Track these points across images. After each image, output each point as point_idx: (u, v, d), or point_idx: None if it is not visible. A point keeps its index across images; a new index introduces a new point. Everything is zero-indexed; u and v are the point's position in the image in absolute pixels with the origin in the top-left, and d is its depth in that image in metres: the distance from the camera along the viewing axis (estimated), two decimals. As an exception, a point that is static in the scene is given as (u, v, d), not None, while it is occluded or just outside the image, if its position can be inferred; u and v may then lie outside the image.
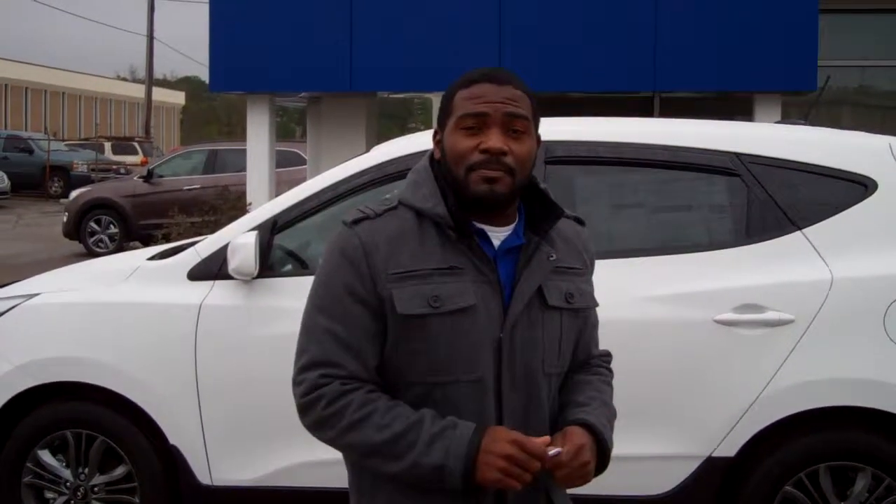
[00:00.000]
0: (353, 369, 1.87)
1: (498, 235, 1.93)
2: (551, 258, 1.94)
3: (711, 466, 3.69)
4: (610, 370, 2.17)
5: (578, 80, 10.08)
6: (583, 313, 2.03)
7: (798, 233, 3.76)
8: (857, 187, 3.82)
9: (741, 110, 10.12)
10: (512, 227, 1.95)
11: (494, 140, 1.85)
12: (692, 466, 3.70)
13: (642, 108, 10.98)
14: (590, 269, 2.08)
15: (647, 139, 4.00)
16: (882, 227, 3.78)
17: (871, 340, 3.61)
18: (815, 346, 3.63)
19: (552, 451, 1.82)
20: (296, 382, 1.91)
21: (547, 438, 1.84)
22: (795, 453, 3.68)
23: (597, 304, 2.10)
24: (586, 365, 2.11)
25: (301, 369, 1.90)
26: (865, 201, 3.79)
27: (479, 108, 1.86)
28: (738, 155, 3.88)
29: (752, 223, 3.81)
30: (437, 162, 1.97)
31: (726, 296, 3.68)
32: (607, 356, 2.19)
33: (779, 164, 3.86)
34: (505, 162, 1.85)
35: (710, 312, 3.67)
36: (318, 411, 1.86)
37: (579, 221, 2.11)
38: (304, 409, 1.90)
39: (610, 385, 2.12)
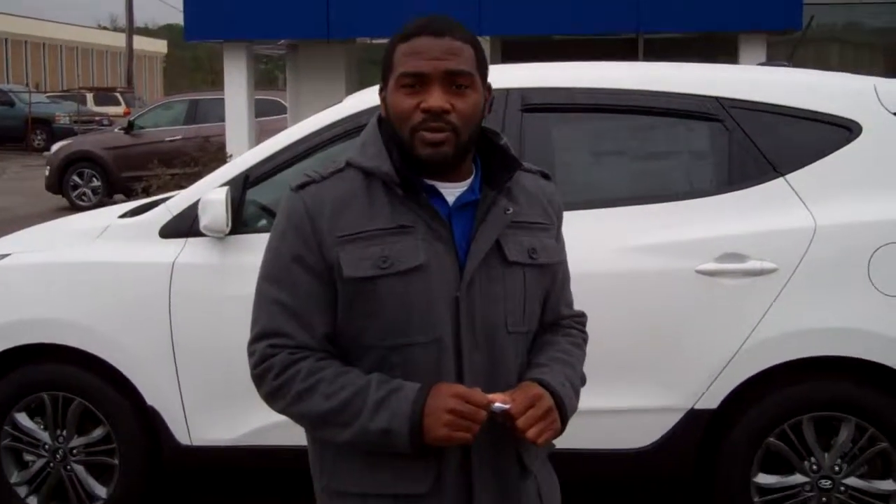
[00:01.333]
0: (302, 339, 1.83)
1: (453, 192, 1.86)
2: (508, 212, 1.87)
3: (693, 419, 3.66)
4: (583, 332, 2.09)
5: (561, 22, 9.94)
6: (549, 269, 1.95)
7: (780, 179, 3.68)
8: (841, 131, 3.73)
9: (726, 50, 10.02)
10: (468, 182, 1.88)
11: (435, 98, 1.78)
12: (674, 419, 3.67)
13: (627, 50, 10.86)
14: (556, 224, 2.00)
15: (626, 84, 3.90)
16: (867, 172, 3.70)
17: (854, 289, 3.55)
18: (798, 295, 3.57)
19: (498, 404, 1.76)
20: (248, 354, 1.88)
21: (497, 395, 1.78)
22: (778, 404, 3.64)
23: (563, 260, 2.03)
24: (555, 326, 2.03)
25: (252, 340, 1.87)
26: (850, 145, 3.70)
27: (418, 66, 1.79)
28: (718, 99, 3.79)
29: (734, 170, 3.74)
30: (385, 120, 1.89)
31: (707, 245, 3.62)
32: (580, 317, 2.11)
33: (761, 108, 3.77)
34: (448, 119, 1.78)
35: (692, 262, 3.60)
36: (269, 382, 1.83)
37: (545, 175, 2.04)
38: (256, 381, 1.87)
39: (579, 346, 2.04)
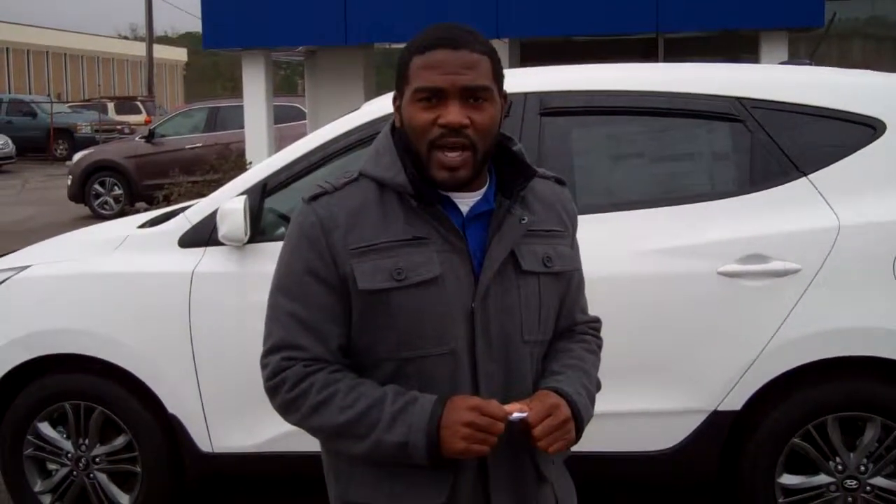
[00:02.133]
0: (317, 351, 1.81)
1: (467, 202, 1.84)
2: (523, 221, 1.85)
3: (717, 420, 3.62)
4: (597, 337, 2.07)
5: (580, 23, 9.91)
6: (564, 277, 1.93)
7: (803, 179, 3.64)
8: (865, 129, 3.68)
9: (747, 48, 9.96)
10: (482, 191, 1.86)
11: (454, 114, 1.75)
12: (698, 421, 3.64)
13: (646, 50, 10.81)
14: (571, 231, 1.98)
15: (646, 86, 3.88)
16: (891, 171, 3.65)
17: (879, 288, 3.51)
18: (822, 295, 3.53)
19: (515, 414, 1.75)
20: (262, 366, 1.86)
21: (514, 405, 1.77)
22: (803, 405, 3.61)
23: (578, 267, 2.00)
24: (570, 332, 2.01)
25: (265, 353, 1.85)
26: (873, 144, 3.66)
27: (434, 81, 1.76)
28: (740, 100, 3.75)
29: (756, 170, 3.70)
30: (398, 130, 1.87)
31: (730, 246, 3.58)
32: (595, 322, 2.09)
33: (783, 107, 3.73)
34: (466, 134, 1.76)
35: (715, 264, 3.57)
36: (283, 394, 1.81)
37: (559, 181, 2.01)
38: (270, 394, 1.85)
39: (594, 353, 2.02)
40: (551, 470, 1.92)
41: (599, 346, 2.06)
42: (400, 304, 1.78)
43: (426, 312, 1.78)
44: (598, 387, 1.99)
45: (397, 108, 1.86)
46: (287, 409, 1.83)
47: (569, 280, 1.96)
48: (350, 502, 1.88)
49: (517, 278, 1.84)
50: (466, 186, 1.82)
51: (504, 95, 1.87)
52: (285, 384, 1.80)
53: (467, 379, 1.80)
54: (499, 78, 1.84)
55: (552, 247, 1.90)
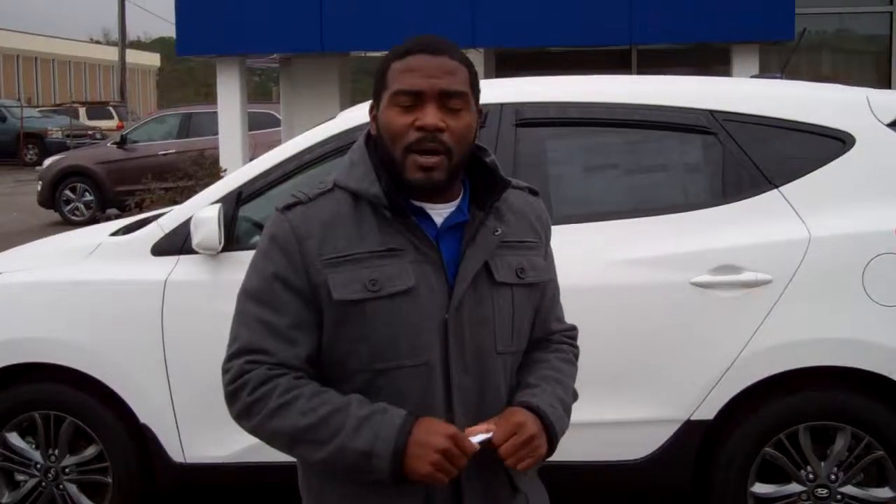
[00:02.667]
0: (283, 357, 1.80)
1: (441, 213, 1.85)
2: (496, 233, 1.86)
3: (690, 430, 3.65)
4: (574, 346, 2.07)
5: (554, 34, 9.95)
6: (538, 288, 1.94)
7: (775, 191, 3.69)
8: (835, 143, 3.73)
9: (719, 61, 10.05)
10: (456, 202, 1.87)
11: (430, 116, 1.76)
12: (671, 430, 3.66)
13: (620, 61, 10.89)
14: (544, 241, 1.99)
15: (619, 98, 3.91)
16: (860, 184, 3.70)
17: (849, 299, 3.56)
18: (793, 305, 3.57)
19: (480, 436, 1.75)
20: (224, 370, 1.84)
21: (480, 426, 1.77)
22: (775, 414, 3.65)
23: (552, 277, 2.01)
24: (546, 342, 2.01)
25: (229, 357, 1.84)
26: (843, 157, 3.71)
27: (413, 83, 1.77)
28: (711, 112, 3.79)
29: (728, 182, 3.74)
30: (373, 139, 1.88)
31: (702, 257, 3.62)
32: (571, 331, 2.09)
33: (754, 120, 3.78)
34: (442, 140, 1.77)
35: (687, 275, 3.60)
36: (244, 398, 1.79)
37: (532, 192, 2.02)
38: (230, 398, 1.82)
39: (570, 363, 2.02)
40: (524, 481, 1.92)
41: (576, 356, 2.06)
42: (374, 315, 1.77)
43: (400, 323, 1.78)
44: (575, 396, 1.99)
45: (373, 116, 1.87)
46: (247, 413, 1.79)
47: (543, 290, 1.97)
48: None
49: (491, 290, 1.84)
50: (440, 193, 1.84)
51: (480, 109, 1.88)
52: (247, 387, 1.78)
53: (440, 391, 1.81)
54: (475, 89, 1.85)
55: (525, 258, 1.91)
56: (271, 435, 1.80)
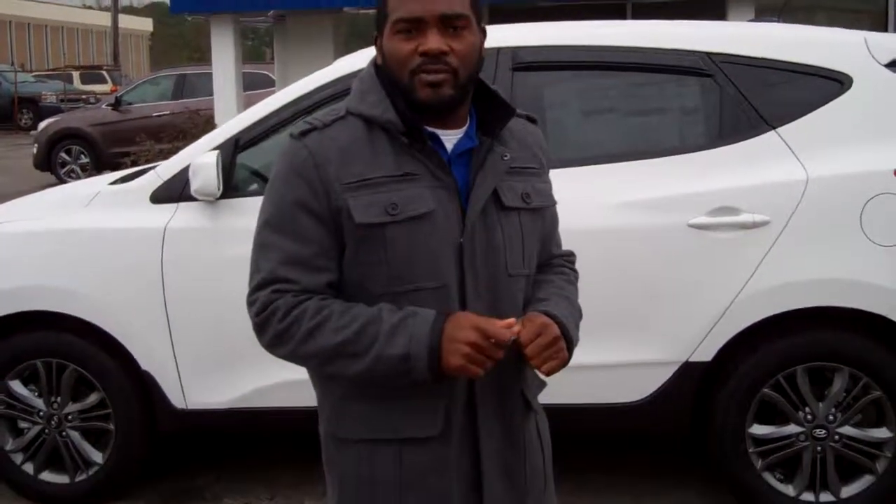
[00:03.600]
0: (307, 283, 1.81)
1: (450, 139, 1.86)
2: (505, 158, 1.88)
3: (688, 371, 3.67)
4: (574, 270, 2.11)
5: (550, -12, 9.88)
6: (542, 212, 1.97)
7: (772, 132, 3.68)
8: (833, 84, 3.72)
9: (714, 15, 9.98)
10: (464, 129, 1.88)
11: (433, 41, 1.76)
12: (669, 372, 3.68)
13: (615, 16, 10.81)
14: (545, 168, 2.02)
15: (617, 41, 3.89)
16: (858, 125, 3.70)
17: (847, 240, 3.56)
18: (790, 247, 3.57)
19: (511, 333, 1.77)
20: (249, 303, 1.85)
21: (511, 320, 1.77)
22: (772, 356, 3.66)
23: (555, 202, 2.04)
24: (548, 265, 2.05)
25: (254, 289, 1.84)
26: (841, 98, 3.70)
27: (412, 10, 1.77)
28: (709, 54, 3.78)
29: (725, 124, 3.74)
30: (381, 68, 1.87)
31: (700, 199, 3.62)
32: (570, 255, 2.13)
33: (751, 62, 3.76)
34: (447, 61, 1.77)
35: (684, 217, 3.61)
36: (275, 325, 1.80)
37: (531, 119, 2.04)
38: (260, 328, 1.83)
39: (573, 284, 2.06)
40: (537, 400, 1.97)
41: (577, 278, 2.10)
42: (394, 238, 1.79)
43: (419, 247, 1.80)
44: (580, 315, 2.01)
45: (379, 45, 1.87)
46: (280, 340, 1.81)
47: (544, 216, 1.99)
48: (344, 439, 1.89)
49: (499, 215, 1.86)
50: (451, 112, 1.84)
51: (483, 29, 1.88)
52: (276, 314, 1.79)
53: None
54: (477, 9, 1.85)
55: (530, 183, 1.93)
56: (307, 357, 1.82)
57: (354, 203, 1.78)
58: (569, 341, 1.86)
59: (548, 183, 2.01)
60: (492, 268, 1.85)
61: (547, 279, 2.00)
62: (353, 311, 1.79)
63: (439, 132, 1.84)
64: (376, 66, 1.90)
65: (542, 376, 1.91)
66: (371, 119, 1.83)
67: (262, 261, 1.84)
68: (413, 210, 1.79)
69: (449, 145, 1.86)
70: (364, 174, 1.79)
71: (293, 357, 1.84)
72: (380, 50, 1.87)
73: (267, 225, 1.84)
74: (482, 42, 1.87)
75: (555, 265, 2.06)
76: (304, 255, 1.81)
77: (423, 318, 1.76)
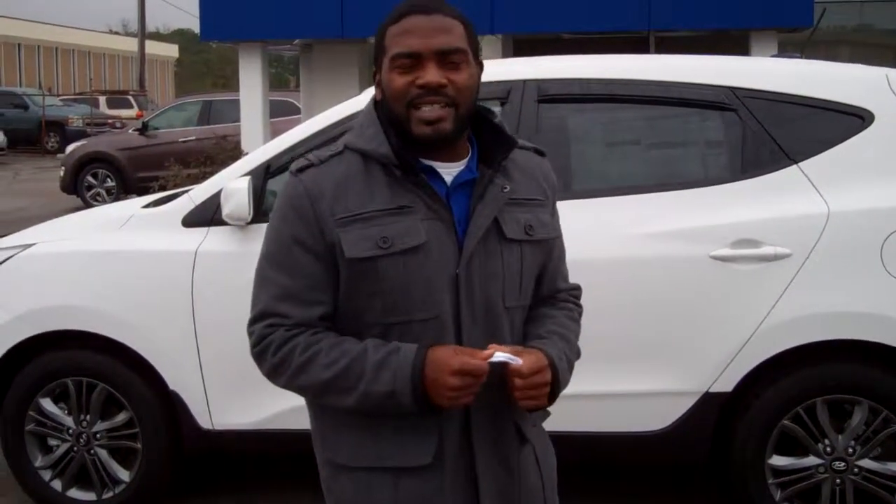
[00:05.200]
0: (300, 317, 1.86)
1: (450, 171, 1.89)
2: (505, 189, 1.90)
3: (708, 402, 3.71)
4: (578, 305, 2.12)
5: (573, 19, 10.00)
6: (545, 245, 1.99)
7: (794, 167, 3.73)
8: (854, 120, 3.78)
9: (737, 49, 10.04)
10: (465, 161, 1.91)
11: (431, 74, 1.80)
12: (689, 402, 3.72)
13: (637, 48, 10.89)
14: (551, 200, 2.03)
15: (641, 75, 3.96)
16: (879, 160, 3.75)
17: (867, 273, 3.60)
18: (811, 280, 3.61)
19: (498, 355, 1.78)
20: (248, 334, 1.91)
21: (505, 348, 1.80)
22: (792, 387, 3.69)
23: (559, 235, 2.06)
24: (552, 299, 2.06)
25: (251, 321, 1.91)
26: (862, 133, 3.75)
27: (410, 45, 1.81)
28: (732, 89, 3.84)
29: (748, 158, 3.79)
30: (380, 103, 1.91)
31: (722, 231, 3.67)
32: (576, 290, 2.14)
33: (774, 97, 3.82)
34: (446, 93, 1.81)
35: (707, 248, 3.65)
36: (269, 359, 1.87)
37: (539, 152, 2.06)
38: (257, 360, 1.91)
39: (575, 321, 2.07)
40: (531, 432, 1.99)
41: (580, 314, 2.11)
42: (386, 271, 1.82)
43: (412, 279, 1.83)
44: (578, 355, 2.03)
45: (377, 81, 1.90)
46: (275, 373, 1.88)
47: (550, 248, 2.02)
48: (338, 465, 1.93)
49: (500, 245, 1.89)
50: (449, 151, 1.88)
51: (480, 63, 1.91)
52: (269, 349, 1.86)
53: (451, 342, 1.85)
54: (474, 43, 1.88)
55: (534, 215, 1.95)
56: (301, 389, 1.89)
57: (346, 237, 1.82)
58: (556, 386, 1.88)
59: (553, 215, 2.03)
60: (488, 298, 1.88)
61: (550, 314, 2.02)
62: (342, 346, 1.84)
63: (437, 165, 1.87)
64: (375, 102, 1.93)
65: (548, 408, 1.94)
66: (367, 153, 1.86)
67: (260, 294, 1.90)
68: (405, 243, 1.82)
69: (448, 177, 1.88)
70: (357, 208, 1.83)
71: (290, 388, 1.90)
72: (378, 86, 1.90)
73: (265, 259, 1.91)
74: (479, 75, 1.90)
75: (559, 300, 2.07)
76: (298, 289, 1.86)
77: (405, 356, 1.80)
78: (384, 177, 1.85)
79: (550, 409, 1.99)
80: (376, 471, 1.88)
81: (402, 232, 1.82)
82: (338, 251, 1.84)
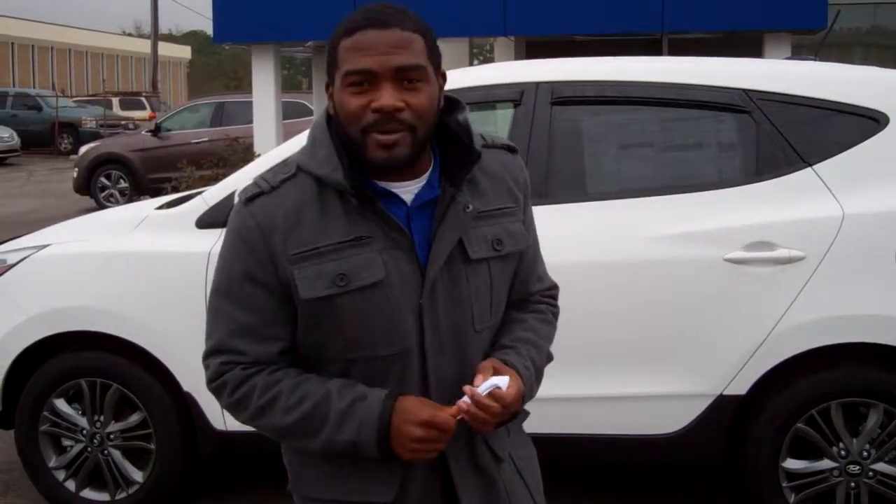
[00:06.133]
0: (257, 354, 1.77)
1: (410, 190, 1.76)
2: (468, 210, 1.77)
3: (722, 404, 3.69)
4: (553, 305, 2.01)
5: (586, 22, 9.99)
6: (514, 255, 1.88)
7: (808, 169, 3.72)
8: (869, 122, 3.76)
9: (751, 51, 10.02)
10: (425, 177, 1.78)
11: (386, 97, 1.65)
12: (703, 405, 3.71)
13: (650, 50, 10.88)
14: (522, 204, 1.90)
15: (655, 77, 3.95)
16: (893, 162, 3.73)
17: (882, 276, 3.58)
18: (826, 282, 3.60)
19: (489, 384, 1.71)
20: (204, 366, 1.83)
21: (457, 408, 1.71)
22: (807, 390, 3.68)
23: (530, 243, 1.93)
24: (523, 302, 1.96)
25: (206, 354, 1.82)
26: (877, 136, 3.74)
27: (363, 63, 1.65)
28: (746, 91, 3.83)
29: (762, 160, 3.78)
30: (333, 118, 1.77)
31: (736, 234, 3.66)
32: (551, 289, 2.03)
33: (788, 99, 3.81)
34: (402, 119, 1.66)
35: (721, 251, 3.65)
36: (225, 398, 1.79)
37: (510, 149, 1.92)
38: (215, 394, 1.83)
39: (548, 323, 1.97)
40: (507, 444, 1.91)
41: (555, 315, 2.02)
42: (345, 310, 1.72)
43: (373, 315, 1.73)
44: (549, 358, 1.96)
45: (330, 94, 1.76)
46: (233, 411, 1.81)
47: (521, 256, 1.91)
48: (305, 496, 1.88)
49: (466, 267, 1.78)
50: (406, 168, 1.74)
51: (442, 74, 1.78)
52: (226, 388, 1.78)
53: (416, 374, 1.77)
54: (435, 56, 1.74)
55: (502, 227, 1.84)
56: (263, 429, 1.81)
57: (300, 276, 1.71)
58: (523, 395, 1.80)
59: (526, 220, 1.92)
60: (456, 325, 1.78)
61: (519, 318, 1.93)
62: (302, 388, 1.75)
63: (394, 185, 1.75)
64: (329, 116, 1.79)
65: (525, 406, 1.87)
66: (320, 179, 1.73)
67: (214, 328, 1.80)
68: (363, 279, 1.71)
69: (408, 197, 1.76)
70: (311, 242, 1.71)
71: (251, 426, 1.82)
72: (331, 99, 1.75)
73: (217, 292, 1.80)
74: (441, 90, 1.76)
75: (531, 302, 1.97)
76: (253, 324, 1.76)
77: (371, 405, 1.71)
78: (339, 203, 1.73)
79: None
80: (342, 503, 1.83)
81: (361, 267, 1.71)
82: (293, 288, 1.72)
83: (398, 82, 1.66)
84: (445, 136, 1.81)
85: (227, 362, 1.77)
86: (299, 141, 4.04)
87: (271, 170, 1.82)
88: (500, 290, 1.86)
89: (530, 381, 1.83)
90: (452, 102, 1.82)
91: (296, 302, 1.74)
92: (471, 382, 1.73)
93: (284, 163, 1.81)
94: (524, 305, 1.96)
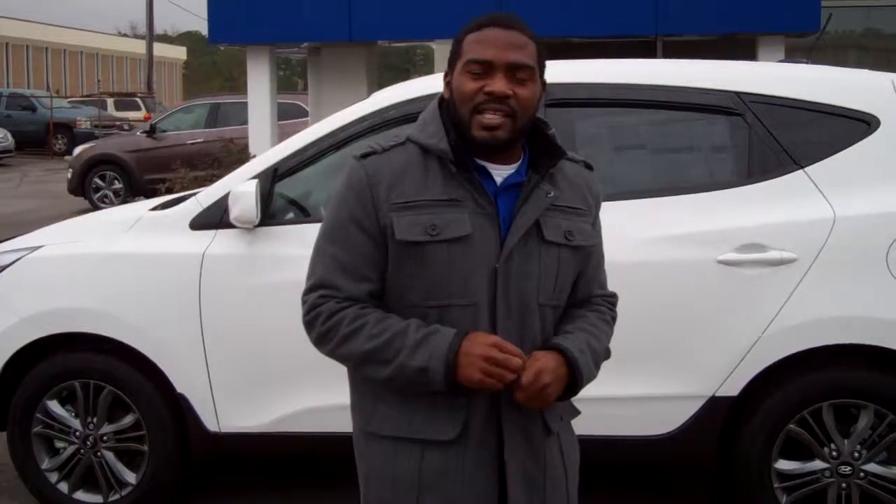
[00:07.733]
0: (351, 291, 2.00)
1: (501, 173, 2.02)
2: (549, 195, 2.02)
3: (714, 406, 3.71)
4: (612, 309, 2.22)
5: (580, 24, 10.01)
6: (583, 251, 2.10)
7: (800, 171, 3.74)
8: (860, 125, 3.79)
9: (744, 53, 10.05)
10: (516, 165, 2.04)
11: (499, 84, 1.94)
12: (695, 406, 3.72)
13: (644, 52, 10.91)
14: (593, 211, 2.16)
15: (648, 79, 3.97)
16: (884, 165, 3.75)
17: (873, 278, 3.60)
18: (817, 284, 3.62)
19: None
20: (301, 303, 2.06)
21: (519, 352, 1.94)
22: (798, 392, 3.69)
23: (597, 244, 2.18)
24: (586, 302, 2.17)
25: (306, 291, 2.05)
26: (868, 139, 3.76)
27: (485, 54, 1.95)
28: (738, 94, 3.85)
29: (754, 162, 3.79)
30: (446, 102, 2.06)
31: (728, 236, 3.68)
32: (612, 297, 2.25)
33: (780, 102, 3.83)
34: (508, 104, 1.94)
35: (713, 252, 3.66)
36: (318, 327, 2.01)
37: (588, 166, 2.20)
38: (307, 327, 2.04)
39: (607, 323, 2.18)
40: (558, 425, 2.10)
41: (614, 319, 2.22)
42: (431, 257, 1.96)
43: (454, 266, 1.96)
44: (608, 354, 2.14)
45: (447, 82, 2.05)
46: (322, 340, 2.02)
47: (588, 255, 2.13)
48: (370, 433, 2.06)
49: (539, 246, 2.01)
50: (503, 151, 2.00)
51: (544, 83, 2.05)
52: (320, 317, 2.01)
53: (487, 330, 1.98)
54: (542, 64, 2.03)
55: (574, 223, 2.07)
56: (343, 357, 2.03)
57: (398, 221, 1.96)
58: (578, 377, 2.00)
59: (595, 226, 2.16)
60: (523, 294, 2.00)
61: (581, 314, 2.13)
62: (386, 322, 1.97)
63: (490, 165, 2.01)
64: (441, 101, 2.08)
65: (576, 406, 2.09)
66: (427, 147, 2.01)
67: (316, 266, 2.05)
68: (451, 233, 1.96)
69: (499, 178, 2.02)
70: (411, 196, 1.98)
71: (333, 356, 2.04)
72: (447, 86, 2.05)
73: (324, 234, 2.06)
74: (542, 94, 2.04)
75: (593, 303, 2.18)
76: (351, 263, 2.01)
77: (444, 336, 1.93)
78: (440, 170, 1.99)
79: (580, 409, 2.15)
80: (404, 441, 2.00)
81: (450, 222, 1.96)
82: (389, 233, 1.97)
83: (510, 75, 1.95)
84: (536, 141, 2.08)
85: (325, 296, 2.01)
86: (296, 140, 4.05)
87: (383, 135, 2.12)
88: (566, 277, 2.08)
89: (587, 364, 2.02)
90: (542, 122, 2.10)
91: (389, 247, 1.99)
92: (528, 353, 1.96)
93: (395, 135, 2.08)
94: (587, 306, 2.17)
